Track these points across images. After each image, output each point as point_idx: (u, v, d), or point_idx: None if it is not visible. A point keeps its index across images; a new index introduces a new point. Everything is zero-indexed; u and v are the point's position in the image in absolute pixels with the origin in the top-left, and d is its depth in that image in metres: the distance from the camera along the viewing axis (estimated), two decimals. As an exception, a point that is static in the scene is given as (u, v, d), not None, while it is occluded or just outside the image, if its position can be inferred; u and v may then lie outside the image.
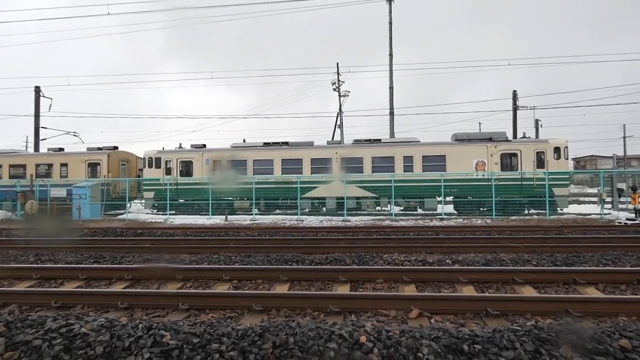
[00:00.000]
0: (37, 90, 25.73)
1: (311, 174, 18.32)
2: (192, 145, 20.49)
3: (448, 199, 17.58)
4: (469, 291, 5.02)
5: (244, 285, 5.61)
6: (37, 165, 20.92)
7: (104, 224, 15.99)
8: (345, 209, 17.09)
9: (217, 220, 16.45)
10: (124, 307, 4.56)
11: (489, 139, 17.50)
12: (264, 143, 19.68)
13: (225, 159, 19.20)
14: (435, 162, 17.44)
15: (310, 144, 19.05)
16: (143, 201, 20.79)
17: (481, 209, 17.08)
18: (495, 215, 16.14)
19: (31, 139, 25.73)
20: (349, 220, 15.62)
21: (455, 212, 17.51)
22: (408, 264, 6.60)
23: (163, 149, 20.67)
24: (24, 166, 21.01)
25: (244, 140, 20.96)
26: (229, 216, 16.85)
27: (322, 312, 4.30)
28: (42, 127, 25.97)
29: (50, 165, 20.89)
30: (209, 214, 17.77)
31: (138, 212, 20.95)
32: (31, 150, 28.44)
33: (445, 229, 11.49)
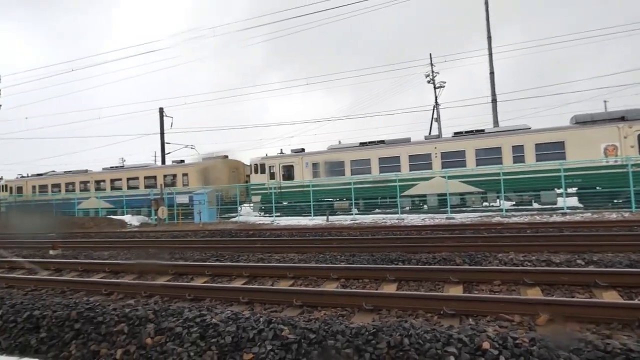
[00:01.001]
0: (161, 111, 29.53)
1: (409, 171, 17.81)
2: (292, 150, 21.49)
3: (570, 190, 15.50)
4: (611, 297, 4.35)
5: (351, 284, 5.66)
6: (165, 176, 23.97)
7: (220, 226, 17.63)
8: (448, 206, 16.24)
9: (318, 221, 16.94)
10: (245, 302, 4.94)
11: (621, 118, 15.04)
12: (360, 143, 19.71)
13: (323, 161, 19.71)
14: (551, 149, 15.57)
15: (407, 141, 18.54)
16: (251, 205, 22.48)
17: (615, 201, 14.79)
18: (636, 207, 13.81)
19: (159, 154, 29.56)
20: (453, 218, 14.82)
21: (581, 205, 15.46)
22: (529, 264, 5.99)
23: (266, 155, 22.08)
24: (154, 177, 24.25)
25: (340, 142, 21.29)
26: (330, 217, 17.22)
27: (435, 314, 4.13)
28: (166, 143, 29.79)
29: (174, 176, 23.75)
30: (310, 215, 18.40)
31: (247, 215, 22.67)
32: (159, 163, 32.71)
33: (570, 225, 10.20)
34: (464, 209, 17.19)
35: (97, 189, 26.27)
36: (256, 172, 21.57)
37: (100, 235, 16.14)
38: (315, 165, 19.88)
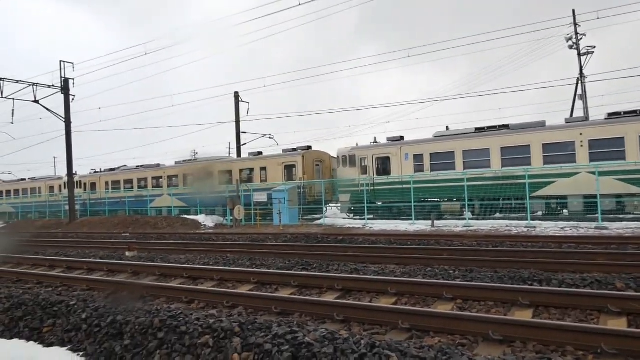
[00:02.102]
0: (237, 95, 31.44)
1: (543, 164, 16.67)
2: (388, 139, 21.45)
3: None
4: None
5: (470, 306, 5.50)
6: (241, 171, 25.51)
7: (302, 229, 18.26)
8: (599, 212, 14.82)
9: (421, 226, 16.70)
10: (340, 320, 5.07)
11: None
12: (476, 129, 18.97)
13: (427, 152, 19.38)
14: None
15: (540, 125, 17.36)
16: (339, 204, 22.89)
17: None
18: None
19: (233, 145, 31.54)
20: (605, 228, 13.52)
21: None
22: None
23: (357, 145, 22.30)
24: (229, 172, 25.93)
25: (448, 128, 20.68)
26: (435, 221, 16.87)
27: (589, 352, 3.83)
28: (242, 132, 31.66)
29: (251, 170, 25.17)
30: (411, 219, 18.19)
31: (334, 216, 23.13)
32: (234, 155, 34.82)
33: None
34: (622, 216, 15.61)
35: (170, 185, 28.97)
36: (344, 165, 21.97)
37: (174, 237, 17.75)
38: (417, 156, 19.64)
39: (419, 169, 19.57)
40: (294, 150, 24.28)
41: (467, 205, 17.37)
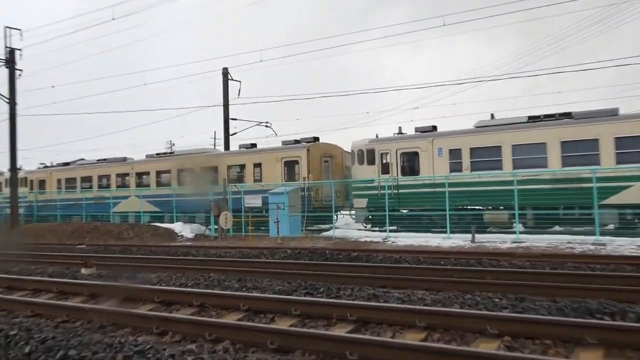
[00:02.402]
0: (225, 73, 31.52)
1: (616, 163, 16.58)
2: (416, 129, 21.48)
3: None
4: None
5: (521, 345, 5.46)
6: (229, 168, 25.62)
7: (307, 242, 18.27)
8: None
9: (458, 240, 16.65)
10: (354, 360, 5.04)
11: None
12: (529, 117, 18.95)
13: (466, 146, 19.36)
14: None
15: (612, 114, 17.29)
16: (353, 212, 22.88)
17: None
18: None
19: (220, 134, 31.62)
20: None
21: None
22: None
23: (377, 137, 22.32)
24: (215, 169, 26.05)
25: (493, 116, 20.61)
26: (477, 235, 16.80)
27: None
28: (231, 119, 31.75)
29: (242, 167, 25.29)
30: (445, 231, 18.13)
31: (347, 227, 23.13)
32: (220, 148, 34.88)
33: None
34: None
35: (139, 184, 29.15)
36: (360, 162, 22.02)
37: (144, 250, 17.85)
38: (453, 152, 19.64)
39: (455, 167, 19.56)
40: (297, 142, 24.35)
41: (517, 215, 17.28)
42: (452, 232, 18.11)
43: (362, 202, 21.68)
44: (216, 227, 22.33)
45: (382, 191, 20.55)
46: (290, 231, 21.11)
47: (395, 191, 20.66)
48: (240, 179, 25.03)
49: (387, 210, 19.80)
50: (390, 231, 19.66)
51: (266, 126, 32.18)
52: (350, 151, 22.85)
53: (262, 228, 22.81)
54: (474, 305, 7.13)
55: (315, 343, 5.41)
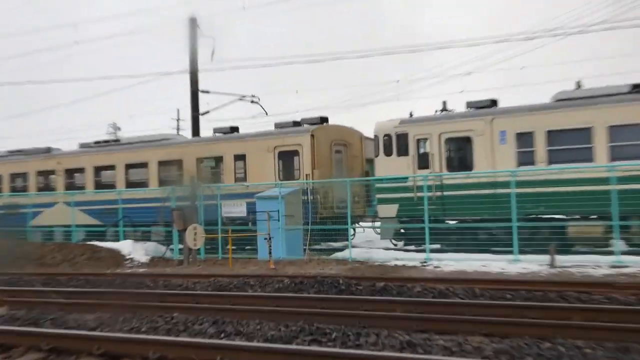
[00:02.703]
0: (193, 23, 31.30)
1: None
2: (468, 105, 21.47)
3: None
4: None
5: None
6: (199, 161, 25.55)
7: (311, 268, 18.16)
8: None
9: (530, 264, 16.58)
10: None
11: None
12: (633, 86, 18.72)
13: (542, 128, 19.31)
14: None
15: None
16: (377, 224, 22.77)
17: None
18: None
19: (185, 113, 31.54)
20: None
21: None
22: None
23: (411, 115, 22.19)
24: (179, 163, 26.02)
25: (580, 85, 20.40)
26: (558, 256, 16.67)
27: None
28: (201, 92, 31.58)
29: (219, 160, 25.24)
30: (512, 251, 17.99)
31: (369, 245, 23.04)
32: (187, 133, 34.78)
33: None
34: None
35: (70, 186, 29.17)
36: (388, 152, 22.04)
37: (77, 280, 17.72)
38: (522, 137, 19.58)
39: (525, 159, 19.50)
40: (297, 124, 24.39)
41: (617, 227, 17.18)
42: (521, 252, 17.97)
43: (391, 210, 21.58)
44: (181, 246, 22.25)
45: (419, 194, 20.46)
46: (288, 252, 21.00)
47: (439, 193, 20.59)
48: (215, 177, 24.93)
49: (426, 222, 19.63)
50: (432, 251, 19.54)
51: (252, 102, 32.04)
52: (373, 137, 22.76)
53: (248, 248, 22.70)
54: (556, 359, 7.04)
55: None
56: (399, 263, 18.52)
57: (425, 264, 17.96)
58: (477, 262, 17.45)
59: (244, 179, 24.14)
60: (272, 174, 23.59)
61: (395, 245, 22.01)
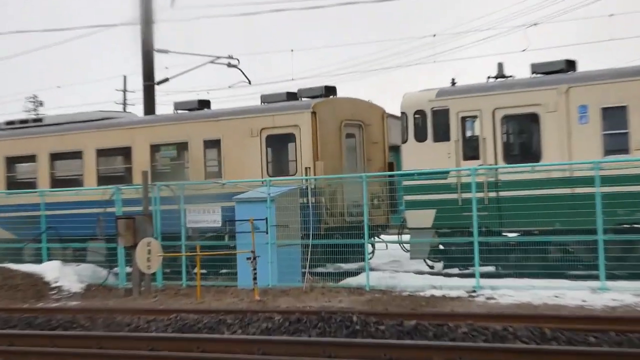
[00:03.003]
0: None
1: None
2: (534, 70, 21.48)
3: None
4: None
5: None
6: (155, 149, 25.63)
7: (313, 299, 18.20)
8: None
9: (624, 294, 16.55)
10: None
11: None
12: None
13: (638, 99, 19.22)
14: None
15: None
16: (405, 237, 22.74)
17: None
18: None
19: (135, 83, 31.59)
20: None
21: None
22: None
23: (453, 84, 22.17)
24: (126, 152, 26.12)
25: None
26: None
27: None
28: (157, 52, 31.67)
29: (182, 147, 25.32)
30: (598, 277, 17.98)
31: (393, 266, 23.09)
32: (137, 110, 34.88)
33: None
34: None
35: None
36: (421, 135, 22.17)
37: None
38: (610, 112, 19.67)
39: (616, 145, 19.55)
40: (292, 97, 24.54)
41: None
42: (609, 277, 17.99)
43: (425, 218, 21.61)
44: (130, 270, 22.29)
45: (464, 195, 20.51)
46: (280, 277, 21.07)
47: (493, 194, 20.64)
48: (178, 172, 24.99)
49: (475, 234, 19.62)
50: (484, 276, 19.58)
51: (230, 65, 32.10)
52: (400, 114, 22.80)
53: (224, 271, 22.74)
54: None
55: None
56: (437, 293, 18.54)
57: (474, 294, 17.97)
58: (547, 292, 17.41)
59: (218, 174, 24.19)
60: (258, 167, 23.62)
61: (432, 267, 22.01)
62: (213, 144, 24.47)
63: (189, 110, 26.00)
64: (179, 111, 26.34)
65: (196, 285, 21.28)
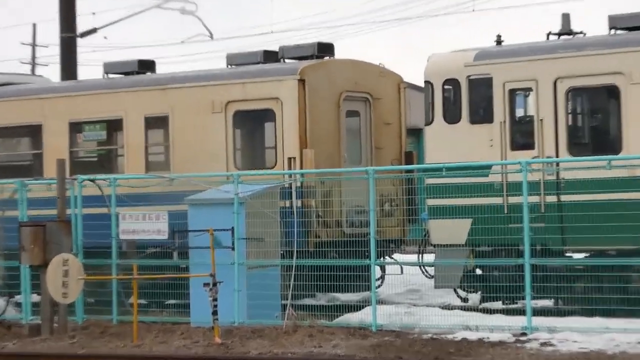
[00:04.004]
0: None
1: None
2: (611, 25, 21.61)
3: None
4: None
5: None
6: (75, 128, 25.57)
7: (297, 343, 18.24)
8: None
9: None
10: None
11: None
12: None
13: None
14: None
15: None
16: (428, 257, 22.77)
17: None
18: None
19: (49, 36, 31.80)
20: None
21: None
22: None
23: (498, 43, 22.16)
24: (34, 131, 26.12)
25: None
26: None
27: None
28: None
29: (114, 126, 25.32)
30: None
31: (410, 297, 23.11)
32: (53, 74, 35.06)
33: None
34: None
35: None
36: (450, 115, 22.38)
37: None
38: None
39: None
40: (271, 58, 24.59)
41: None
42: None
43: (456, 231, 21.69)
44: (37, 298, 22.25)
45: (512, 198, 20.49)
46: (251, 311, 21.15)
47: (553, 198, 20.65)
48: (107, 160, 25.01)
49: (527, 255, 19.61)
50: (538, 313, 19.58)
51: (184, 12, 32.26)
52: (423, 84, 22.70)
53: (171, 302, 22.77)
54: None
55: None
56: (472, 336, 18.53)
57: (524, 338, 17.94)
58: (628, 336, 17.39)
59: (165, 165, 24.25)
60: (223, 156, 23.68)
61: (465, 300, 22.01)
62: (158, 123, 24.52)
63: (125, 74, 26.04)
64: (111, 75, 26.30)
65: (132, 321, 21.31)
